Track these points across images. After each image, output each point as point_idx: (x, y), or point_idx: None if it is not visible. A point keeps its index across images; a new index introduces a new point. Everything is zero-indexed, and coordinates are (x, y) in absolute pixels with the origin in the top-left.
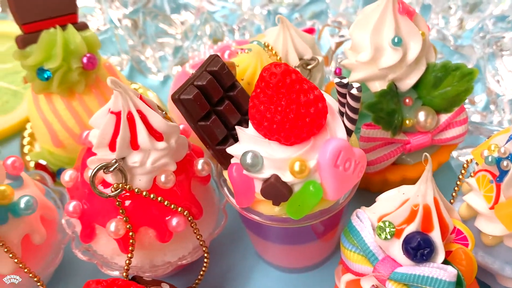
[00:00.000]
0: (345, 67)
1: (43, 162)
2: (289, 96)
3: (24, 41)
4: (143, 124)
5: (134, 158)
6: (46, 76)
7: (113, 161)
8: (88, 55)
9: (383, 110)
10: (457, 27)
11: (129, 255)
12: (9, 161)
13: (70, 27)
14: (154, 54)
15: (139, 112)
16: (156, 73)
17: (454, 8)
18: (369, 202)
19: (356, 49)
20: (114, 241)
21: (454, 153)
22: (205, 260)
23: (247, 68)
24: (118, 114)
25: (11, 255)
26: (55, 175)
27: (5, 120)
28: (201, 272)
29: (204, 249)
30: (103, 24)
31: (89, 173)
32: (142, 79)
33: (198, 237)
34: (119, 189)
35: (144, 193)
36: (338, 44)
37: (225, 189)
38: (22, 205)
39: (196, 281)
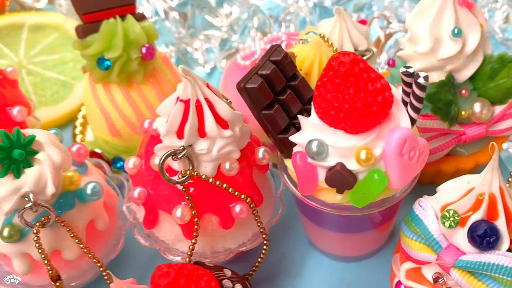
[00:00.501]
0: (401, 58)
1: (98, 151)
2: (357, 85)
3: (84, 31)
4: (210, 112)
5: (201, 145)
6: (106, 66)
7: (181, 148)
8: (146, 45)
9: (441, 100)
10: (502, 20)
11: (193, 241)
12: (74, 148)
13: (130, 17)
14: (202, 46)
15: (207, 100)
16: (203, 64)
17: (501, 2)
18: (420, 193)
19: (414, 40)
20: (176, 227)
21: (504, 145)
22: (264, 247)
23: (305, 59)
24: (187, 102)
25: (77, 240)
26: (110, 163)
27: (56, 110)
28: (259, 259)
29: (264, 236)
30: (149, 17)
31: (155, 160)
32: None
33: (259, 224)
34: (187, 176)
35: (210, 180)
36: (388, 36)
37: (285, 176)
38: (88, 191)
39: (254, 268)
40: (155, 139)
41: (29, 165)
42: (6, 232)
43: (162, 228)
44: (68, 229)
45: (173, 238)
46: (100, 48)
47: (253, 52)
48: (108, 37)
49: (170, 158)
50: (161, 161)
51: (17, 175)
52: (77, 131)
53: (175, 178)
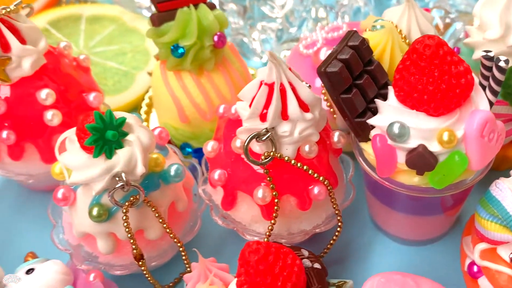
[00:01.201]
0: (468, 45)
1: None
2: (442, 68)
3: (159, 19)
4: (294, 95)
5: (283, 128)
6: (180, 53)
7: (264, 130)
8: (218, 33)
9: (511, 86)
10: None
11: (272, 221)
12: (157, 132)
13: (203, 6)
14: (260, 36)
15: (290, 83)
16: (261, 55)
17: None
18: (486, 179)
19: (483, 27)
20: (254, 209)
21: None
22: (338, 229)
23: (377, 45)
24: (271, 86)
25: (160, 220)
26: (180, 149)
27: (119, 99)
28: (331, 241)
29: (338, 218)
30: None
31: (237, 143)
32: (245, 61)
33: (334, 206)
34: (270, 157)
35: (292, 162)
36: (447, 25)
37: (361, 159)
38: (172, 172)
39: (325, 250)
40: (233, 122)
41: (120, 146)
42: (95, 211)
43: (240, 210)
44: (153, 209)
45: (250, 220)
46: (175, 36)
47: (314, 41)
48: (183, 25)
49: (256, 140)
50: (246, 143)
51: (109, 155)
52: (142, 118)
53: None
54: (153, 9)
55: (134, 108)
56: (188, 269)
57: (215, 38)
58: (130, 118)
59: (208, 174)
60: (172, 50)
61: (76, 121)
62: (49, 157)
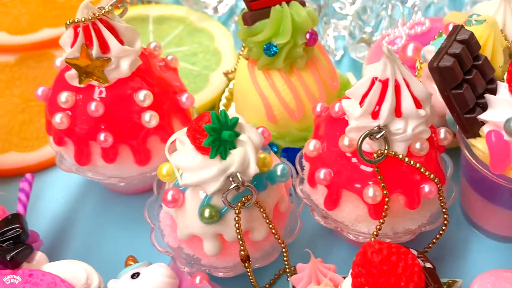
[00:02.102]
0: None
1: None
2: None
3: (252, 18)
4: (408, 92)
5: (397, 125)
6: (273, 52)
7: (376, 128)
8: (310, 31)
9: None
10: None
11: (381, 221)
12: (259, 131)
13: (295, 4)
14: (333, 34)
15: (404, 79)
16: (334, 52)
17: None
18: None
19: None
20: (359, 208)
21: None
22: (443, 227)
23: (479, 39)
24: (385, 82)
25: (267, 221)
26: None
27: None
28: (434, 240)
29: (445, 216)
30: None
31: (345, 141)
32: None
33: (442, 204)
34: (383, 155)
35: (406, 159)
36: None
37: (468, 155)
38: (278, 172)
39: (426, 249)
40: (335, 121)
41: (233, 146)
42: (207, 212)
43: (344, 209)
44: (261, 210)
45: (354, 219)
46: (269, 35)
47: (397, 37)
48: (277, 23)
49: (369, 137)
50: (359, 142)
51: (224, 156)
52: None
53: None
54: (221, 10)
55: (211, 108)
56: (288, 269)
57: (307, 35)
58: (240, 118)
59: (308, 173)
60: (265, 49)
61: (169, 122)
62: (143, 159)
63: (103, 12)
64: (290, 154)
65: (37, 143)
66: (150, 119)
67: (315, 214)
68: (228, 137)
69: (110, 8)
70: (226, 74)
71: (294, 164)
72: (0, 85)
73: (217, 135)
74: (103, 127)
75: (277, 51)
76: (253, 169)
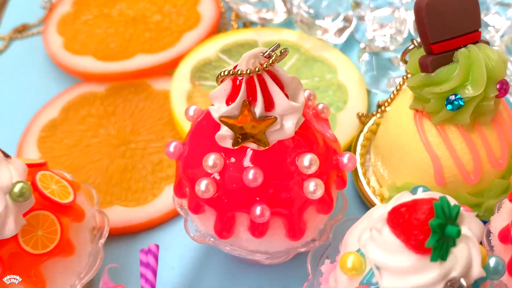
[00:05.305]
0: None
1: None
2: None
3: (434, 64)
4: None
5: None
6: (458, 105)
7: None
8: (501, 80)
9: None
10: None
11: None
12: None
13: (485, 46)
14: None
15: None
16: None
17: None
18: None
19: None
20: None
21: None
22: None
23: None
24: None
25: None
26: None
27: None
28: None
29: None
30: None
31: None
32: None
33: None
34: None
35: None
36: None
37: None
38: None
39: None
40: None
41: (454, 243)
42: None
43: None
44: None
45: None
46: (456, 84)
47: None
48: (466, 71)
49: None
50: None
51: (445, 256)
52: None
53: None
54: (341, 37)
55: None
56: None
57: (497, 85)
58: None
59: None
60: (447, 102)
61: (328, 189)
62: (297, 234)
63: (271, 61)
64: None
65: (144, 196)
66: (315, 189)
67: None
68: (456, 234)
69: (277, 56)
70: (360, 117)
71: None
72: (90, 121)
73: (442, 232)
74: (257, 198)
75: (463, 104)
76: (477, 272)
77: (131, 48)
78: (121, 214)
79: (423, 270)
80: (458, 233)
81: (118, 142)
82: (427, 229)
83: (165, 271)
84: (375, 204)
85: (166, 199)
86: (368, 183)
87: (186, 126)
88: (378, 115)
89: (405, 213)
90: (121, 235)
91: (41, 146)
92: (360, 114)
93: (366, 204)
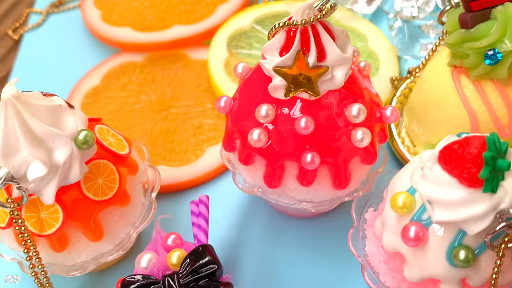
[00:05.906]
0: None
1: None
2: None
3: (473, 20)
4: None
5: None
6: (496, 60)
7: None
8: None
9: None
10: None
11: None
12: None
13: None
14: None
15: None
16: None
17: None
18: None
19: None
20: None
21: None
22: None
23: None
24: None
25: None
26: None
27: None
28: None
29: None
30: None
31: None
32: None
33: None
34: None
35: None
36: None
37: None
38: None
39: None
40: None
41: (503, 177)
42: (462, 254)
43: None
44: None
45: None
46: (494, 39)
47: None
48: (504, 27)
49: None
50: None
51: (495, 189)
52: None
53: None
54: (363, 9)
55: None
56: None
57: None
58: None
59: None
60: (486, 57)
61: (373, 140)
62: (342, 183)
63: (324, 13)
64: None
65: (187, 157)
66: (362, 138)
67: None
68: (506, 167)
69: (328, 9)
70: (393, 81)
71: None
72: (131, 88)
73: (493, 165)
74: (307, 147)
75: (500, 58)
76: None
77: (168, 20)
78: (166, 173)
79: (474, 202)
80: (509, 166)
81: (159, 107)
82: (480, 162)
83: (210, 225)
84: None
85: (208, 159)
86: (402, 143)
87: (225, 90)
88: (412, 78)
89: (458, 149)
90: (165, 193)
91: (85, 111)
92: (393, 78)
93: (401, 163)
